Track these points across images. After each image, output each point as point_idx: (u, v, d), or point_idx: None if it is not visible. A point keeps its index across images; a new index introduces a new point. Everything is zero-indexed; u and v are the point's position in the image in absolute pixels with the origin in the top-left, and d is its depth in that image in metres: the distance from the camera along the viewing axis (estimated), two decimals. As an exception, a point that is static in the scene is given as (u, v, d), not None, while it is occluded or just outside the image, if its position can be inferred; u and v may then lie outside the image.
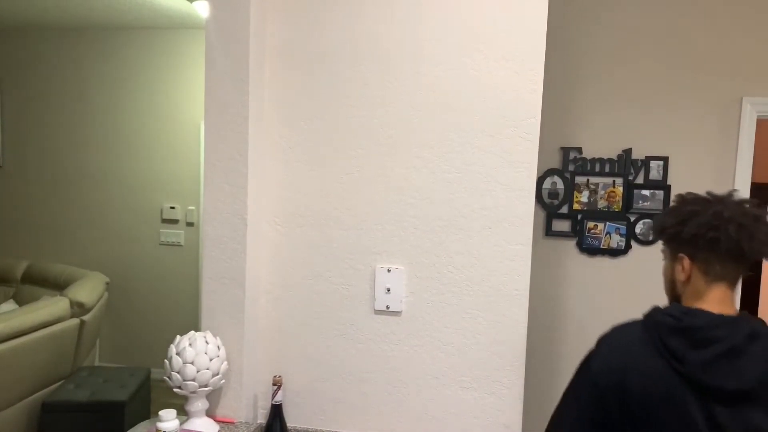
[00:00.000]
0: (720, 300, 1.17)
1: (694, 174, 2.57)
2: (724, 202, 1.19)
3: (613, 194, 2.62)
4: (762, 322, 1.15)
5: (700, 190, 2.68)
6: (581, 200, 2.65)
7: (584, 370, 1.24)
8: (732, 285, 1.19)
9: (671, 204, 1.26)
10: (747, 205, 1.17)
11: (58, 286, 3.83)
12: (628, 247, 2.63)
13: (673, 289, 1.27)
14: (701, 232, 1.16)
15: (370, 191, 1.57)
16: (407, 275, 1.57)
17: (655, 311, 1.20)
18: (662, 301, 2.47)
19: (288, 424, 1.62)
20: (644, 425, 1.12)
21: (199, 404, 1.50)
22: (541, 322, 2.72)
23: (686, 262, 1.20)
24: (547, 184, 2.68)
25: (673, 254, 1.24)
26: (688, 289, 1.22)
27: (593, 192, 2.64)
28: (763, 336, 1.12)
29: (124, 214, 4.51)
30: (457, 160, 1.52)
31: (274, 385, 1.51)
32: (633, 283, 2.64)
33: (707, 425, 1.07)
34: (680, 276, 1.22)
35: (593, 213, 2.64)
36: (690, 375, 1.09)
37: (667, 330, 1.14)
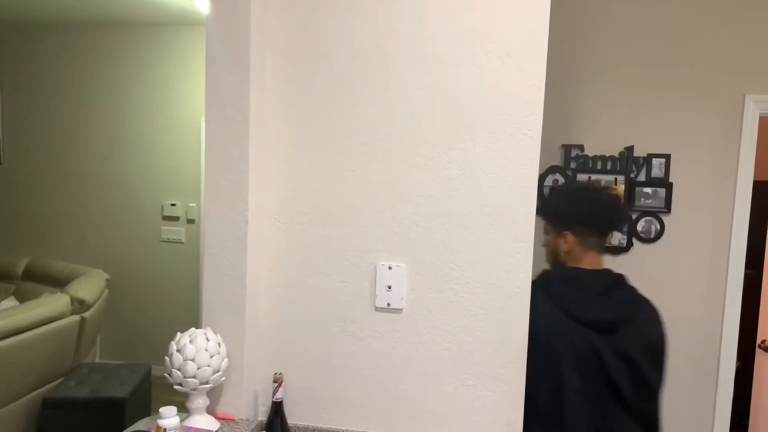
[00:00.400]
0: (593, 262, 1.59)
1: (696, 172, 2.57)
2: (598, 190, 1.64)
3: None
4: (623, 275, 1.59)
5: (702, 188, 2.67)
6: (583, 198, 2.64)
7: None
8: (600, 251, 1.61)
9: (551, 192, 1.73)
10: (610, 192, 1.63)
11: (59, 282, 3.84)
12: (629, 244, 2.62)
13: (555, 258, 1.65)
14: (588, 213, 1.58)
15: (371, 188, 1.56)
16: (408, 273, 1.57)
17: (546, 272, 1.62)
18: (666, 298, 2.48)
19: (289, 422, 1.62)
20: (550, 358, 1.48)
21: (199, 401, 1.50)
22: (542, 319, 2.71)
23: (570, 237, 1.59)
24: (548, 181, 2.67)
25: (557, 231, 1.63)
26: (569, 257, 1.61)
27: (595, 190, 2.63)
28: (623, 284, 1.57)
29: (124, 211, 4.51)
30: (459, 157, 1.51)
31: (274, 382, 1.50)
32: (635, 281, 2.62)
33: (588, 348, 1.46)
34: (564, 247, 1.61)
35: (595, 211, 2.64)
36: (574, 312, 1.48)
37: (559, 281, 1.55)
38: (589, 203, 1.58)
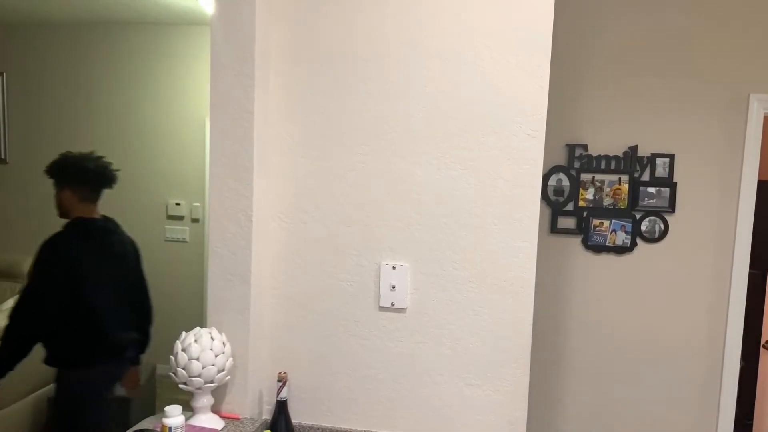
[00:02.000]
0: (91, 211, 2.35)
1: (700, 171, 2.56)
2: (97, 160, 2.36)
3: (618, 191, 2.61)
4: (113, 220, 2.45)
5: (707, 188, 2.66)
6: (587, 197, 2.64)
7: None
8: (95, 202, 2.37)
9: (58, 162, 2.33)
10: (101, 159, 2.37)
11: (64, 281, 3.83)
12: (633, 244, 2.62)
13: (62, 209, 2.33)
14: (86, 176, 2.31)
15: (375, 187, 1.57)
16: (412, 272, 1.57)
17: (78, 221, 2.30)
18: (670, 298, 2.47)
19: (293, 420, 1.62)
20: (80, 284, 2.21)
21: (204, 400, 1.50)
22: (546, 319, 2.71)
23: (68, 192, 2.30)
24: (552, 181, 2.67)
25: (60, 188, 2.31)
26: (72, 209, 2.31)
27: (599, 189, 2.63)
28: (117, 228, 2.45)
29: (129, 210, 4.52)
30: (462, 156, 1.51)
31: (279, 381, 1.51)
32: (638, 281, 2.63)
33: (103, 274, 2.31)
34: (66, 202, 2.30)
35: (599, 210, 2.64)
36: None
37: (81, 229, 2.29)
38: (88, 167, 2.30)
